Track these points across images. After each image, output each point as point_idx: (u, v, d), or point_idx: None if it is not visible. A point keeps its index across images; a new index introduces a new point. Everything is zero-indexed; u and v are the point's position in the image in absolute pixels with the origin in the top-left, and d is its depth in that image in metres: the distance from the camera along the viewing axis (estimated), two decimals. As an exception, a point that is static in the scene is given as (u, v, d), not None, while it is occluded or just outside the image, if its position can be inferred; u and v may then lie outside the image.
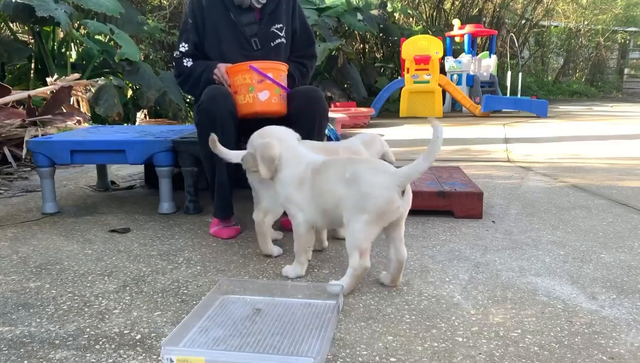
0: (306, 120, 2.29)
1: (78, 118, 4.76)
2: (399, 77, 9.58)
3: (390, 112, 9.25)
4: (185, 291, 1.73)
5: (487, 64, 9.80)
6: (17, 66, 6.59)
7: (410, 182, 1.66)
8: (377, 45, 12.59)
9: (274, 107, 2.27)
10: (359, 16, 9.87)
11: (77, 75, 5.17)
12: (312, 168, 1.76)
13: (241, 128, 2.31)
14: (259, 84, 2.23)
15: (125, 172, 3.92)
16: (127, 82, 6.58)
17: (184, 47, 2.44)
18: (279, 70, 2.28)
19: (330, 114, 3.14)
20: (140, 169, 3.73)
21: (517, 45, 13.96)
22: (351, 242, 1.64)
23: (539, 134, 6.36)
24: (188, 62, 2.44)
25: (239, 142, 2.31)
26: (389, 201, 1.59)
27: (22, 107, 4.74)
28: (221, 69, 2.33)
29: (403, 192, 1.62)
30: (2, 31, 7.00)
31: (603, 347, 1.35)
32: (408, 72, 8.76)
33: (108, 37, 6.26)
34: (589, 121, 8.18)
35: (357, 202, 1.61)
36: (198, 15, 2.44)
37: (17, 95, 4.69)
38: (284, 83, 2.31)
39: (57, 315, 1.56)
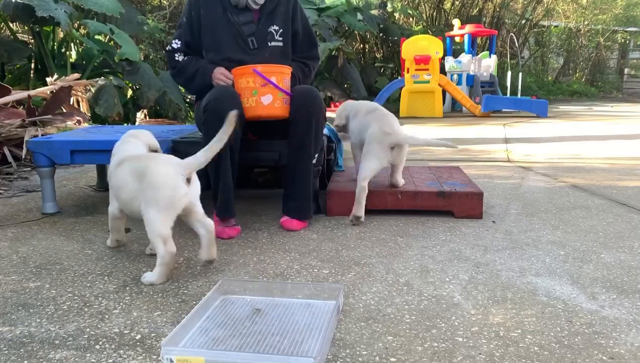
0: (303, 119, 2.31)
1: (78, 118, 4.74)
2: (399, 77, 9.58)
3: (390, 112, 9.24)
4: (185, 291, 1.73)
5: (487, 64, 9.80)
6: (17, 66, 6.58)
7: (193, 170, 1.82)
8: (377, 45, 12.60)
9: (276, 111, 2.27)
10: (359, 16, 9.88)
11: (77, 75, 5.16)
12: (117, 161, 1.95)
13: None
14: (263, 88, 2.22)
15: (125, 172, 3.91)
16: (127, 82, 6.57)
17: (176, 44, 2.49)
18: (282, 74, 2.28)
19: (330, 114, 3.14)
20: (140, 168, 3.73)
21: (517, 45, 13.97)
22: (152, 231, 1.77)
23: (539, 134, 6.36)
24: (180, 57, 2.48)
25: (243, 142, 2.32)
26: (174, 188, 1.76)
27: (22, 107, 4.73)
28: (216, 74, 2.35)
29: (189, 181, 1.80)
30: (2, 31, 6.99)
31: (603, 347, 1.35)
32: (408, 72, 8.76)
33: (108, 37, 6.26)
34: (589, 121, 8.18)
35: (148, 193, 1.76)
36: (195, 14, 2.45)
37: (17, 95, 4.68)
38: (288, 85, 2.31)
39: (57, 315, 1.56)
